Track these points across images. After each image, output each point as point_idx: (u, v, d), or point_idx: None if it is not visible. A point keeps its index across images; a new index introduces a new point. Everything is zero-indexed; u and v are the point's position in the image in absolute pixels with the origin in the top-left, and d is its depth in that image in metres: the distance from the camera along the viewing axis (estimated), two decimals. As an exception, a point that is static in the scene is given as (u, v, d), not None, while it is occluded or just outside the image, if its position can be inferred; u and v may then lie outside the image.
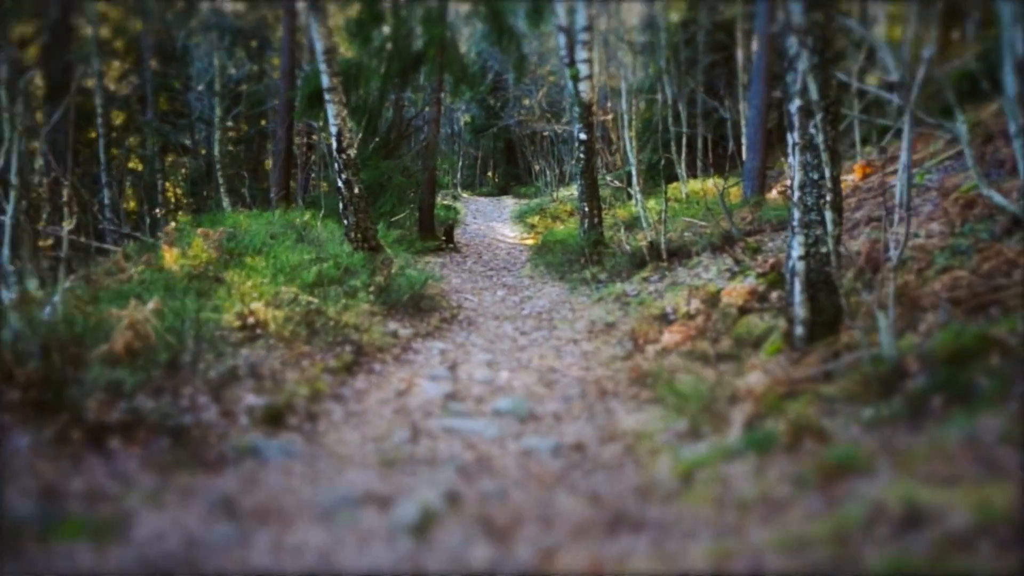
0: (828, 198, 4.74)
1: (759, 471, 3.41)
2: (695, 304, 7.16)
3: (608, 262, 10.81)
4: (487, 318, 8.90)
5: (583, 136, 11.84)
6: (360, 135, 17.52)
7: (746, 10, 16.00)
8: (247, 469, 3.72)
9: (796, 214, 4.85)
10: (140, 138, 22.19)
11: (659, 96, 17.13)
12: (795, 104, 4.70)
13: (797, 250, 4.86)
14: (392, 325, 7.60)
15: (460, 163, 27.33)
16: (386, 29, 15.18)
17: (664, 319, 7.27)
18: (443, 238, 14.96)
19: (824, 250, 4.83)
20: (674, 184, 15.89)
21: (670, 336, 6.59)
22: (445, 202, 20.99)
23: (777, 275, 6.86)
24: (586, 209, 12.09)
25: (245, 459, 3.82)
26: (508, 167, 28.31)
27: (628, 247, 10.76)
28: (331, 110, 9.69)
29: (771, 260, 7.22)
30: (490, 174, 29.40)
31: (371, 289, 8.26)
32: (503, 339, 7.78)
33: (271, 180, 18.30)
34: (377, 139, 16.38)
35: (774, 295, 6.36)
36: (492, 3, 15.50)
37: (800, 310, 4.88)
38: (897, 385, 3.94)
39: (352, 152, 9.79)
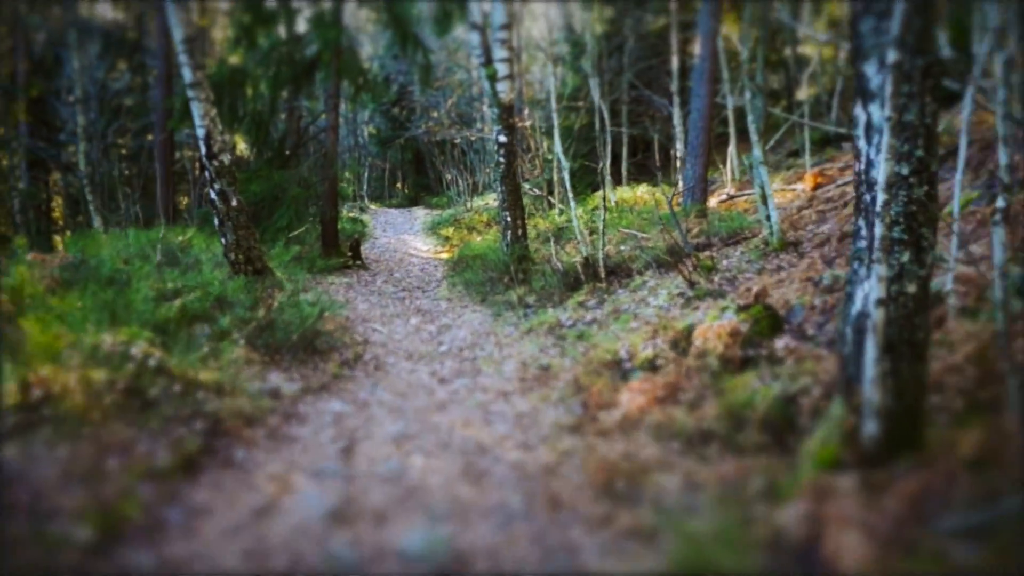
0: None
1: None
2: (659, 346, 5.34)
3: (536, 282, 8.94)
4: (399, 357, 6.90)
5: (503, 139, 9.99)
6: (253, 146, 15.32)
7: (681, 18, 14.44)
8: None
9: (877, 230, 2.98)
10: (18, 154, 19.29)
11: (581, 103, 15.41)
12: (881, 61, 2.89)
13: (874, 289, 3.00)
14: (274, 378, 5.52)
15: (367, 174, 25.01)
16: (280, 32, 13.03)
17: (618, 367, 5.41)
18: (349, 254, 12.83)
19: (911, 290, 3.01)
20: (598, 192, 14.20)
21: (631, 397, 4.74)
22: (352, 215, 18.79)
23: (762, 309, 5.11)
24: (508, 219, 10.21)
25: None
26: (418, 177, 26.11)
27: (559, 264, 8.92)
28: (196, 110, 7.53)
29: (755, 289, 5.44)
30: (399, 185, 27.15)
31: (251, 326, 6.18)
32: (417, 391, 5.81)
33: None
34: (270, 150, 14.17)
35: (780, 345, 4.54)
36: (394, 6, 13.49)
37: (875, 391, 3.02)
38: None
39: (226, 158, 7.65)
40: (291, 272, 9.93)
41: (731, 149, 12.64)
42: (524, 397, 5.56)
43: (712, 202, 11.09)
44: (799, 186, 10.57)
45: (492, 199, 19.63)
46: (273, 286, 7.54)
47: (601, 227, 8.51)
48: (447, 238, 16.02)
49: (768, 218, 7.84)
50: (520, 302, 8.48)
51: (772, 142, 15.54)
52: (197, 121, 7.52)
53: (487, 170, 20.08)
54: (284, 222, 12.88)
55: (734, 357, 4.73)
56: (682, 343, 5.10)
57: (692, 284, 7.12)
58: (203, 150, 7.56)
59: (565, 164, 9.22)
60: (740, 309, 5.12)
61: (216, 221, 7.82)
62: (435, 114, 20.52)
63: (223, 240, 7.78)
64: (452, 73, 21.23)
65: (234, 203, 7.68)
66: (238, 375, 5.05)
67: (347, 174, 18.67)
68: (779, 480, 3.07)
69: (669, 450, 3.91)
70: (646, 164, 16.72)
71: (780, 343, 4.52)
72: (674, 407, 4.42)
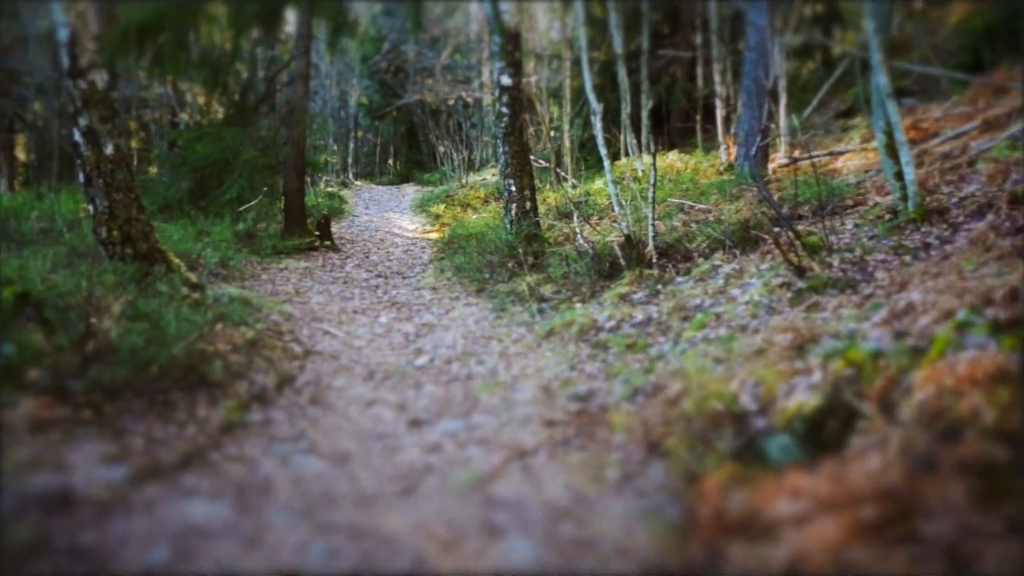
0: None
1: None
2: (822, 387, 2.75)
3: (556, 268, 6.34)
4: (353, 378, 4.34)
5: (507, 80, 7.35)
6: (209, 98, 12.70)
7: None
8: None
9: None
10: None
11: (596, 54, 12.75)
12: None
13: None
14: (76, 459, 2.86)
15: (352, 147, 22.24)
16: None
17: (738, 424, 2.83)
18: (316, 233, 10.24)
19: None
20: (624, 161, 11.59)
21: (797, 510, 2.17)
22: (329, 189, 16.17)
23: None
24: (513, 189, 7.58)
25: None
26: (410, 153, 23.37)
27: (587, 244, 6.34)
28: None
29: (1016, 283, 2.83)
30: (391, 162, 24.43)
31: (66, 356, 3.52)
32: (370, 449, 3.25)
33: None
34: (230, 103, 11.48)
35: None
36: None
37: None
38: None
39: (99, 80, 5.01)
40: (226, 253, 7.35)
41: (783, 104, 10.03)
42: (556, 463, 3.03)
43: (768, 165, 8.52)
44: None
45: (490, 174, 17.01)
46: (149, 279, 4.92)
47: (651, 194, 5.91)
48: (437, 216, 13.43)
49: (899, 176, 5.27)
50: (532, 294, 5.91)
51: (815, 102, 12.97)
52: (58, 17, 4.89)
53: (484, 140, 17.43)
54: (234, 193, 10.23)
55: (1011, 429, 2.16)
56: (881, 386, 2.52)
57: (801, 271, 4.56)
58: (65, 62, 4.92)
59: (596, 107, 6.59)
60: (997, 327, 2.54)
61: (81, 176, 5.17)
62: (429, 81, 17.90)
63: (91, 208, 5.13)
64: (449, 17, 18.62)
65: (109, 151, 5.03)
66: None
67: (317, 136, 15.82)
68: None
69: None
70: (666, 132, 14.10)
71: None
72: (916, 553, 1.86)
